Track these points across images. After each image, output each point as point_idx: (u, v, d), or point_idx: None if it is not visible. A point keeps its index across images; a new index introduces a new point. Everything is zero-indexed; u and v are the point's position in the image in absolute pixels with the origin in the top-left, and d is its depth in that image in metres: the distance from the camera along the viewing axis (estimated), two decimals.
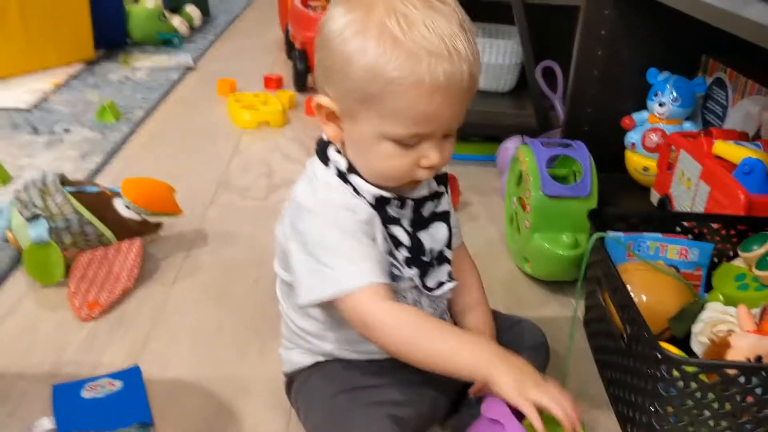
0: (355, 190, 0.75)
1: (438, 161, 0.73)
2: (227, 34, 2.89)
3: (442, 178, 0.83)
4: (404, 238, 0.77)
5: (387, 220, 0.76)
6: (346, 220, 0.74)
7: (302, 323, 0.84)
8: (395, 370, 0.82)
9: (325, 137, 0.79)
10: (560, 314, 1.14)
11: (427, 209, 0.80)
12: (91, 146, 1.67)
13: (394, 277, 0.78)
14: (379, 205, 0.76)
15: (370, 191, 0.75)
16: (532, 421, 0.67)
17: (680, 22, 0.99)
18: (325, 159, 0.78)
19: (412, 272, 0.78)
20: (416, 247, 0.78)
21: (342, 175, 0.76)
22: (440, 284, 0.82)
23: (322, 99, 0.73)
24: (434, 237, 0.81)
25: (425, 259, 0.79)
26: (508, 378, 0.68)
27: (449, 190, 0.86)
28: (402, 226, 0.78)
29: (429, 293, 0.81)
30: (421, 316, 0.75)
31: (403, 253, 0.77)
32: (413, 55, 0.66)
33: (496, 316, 0.93)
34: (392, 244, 0.77)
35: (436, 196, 0.81)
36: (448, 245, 0.83)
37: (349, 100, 0.71)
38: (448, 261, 0.83)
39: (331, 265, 0.73)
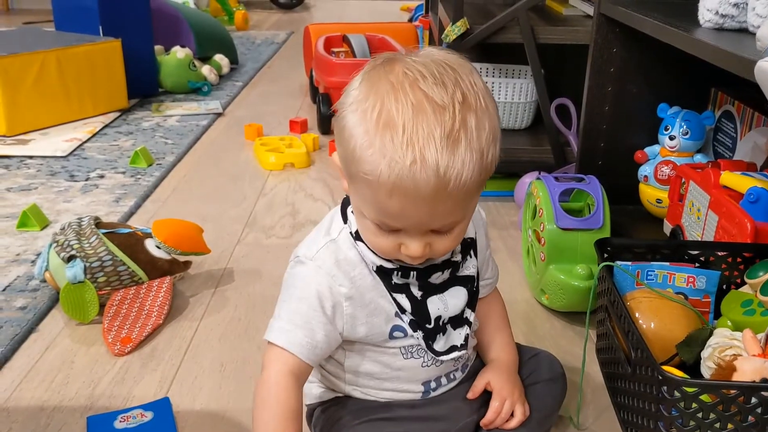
0: (361, 255, 0.77)
1: (418, 254, 0.72)
2: (255, 81, 2.99)
3: (468, 245, 0.83)
4: (407, 305, 0.79)
5: (392, 288, 0.78)
6: (323, 285, 0.76)
7: (323, 361, 0.86)
8: (410, 407, 0.85)
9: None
10: (577, 344, 1.17)
11: (437, 278, 0.80)
12: (124, 190, 1.75)
13: (396, 338, 0.80)
14: (382, 273, 0.77)
15: (373, 260, 0.77)
16: None
17: (688, 58, 1.03)
18: (345, 216, 0.80)
19: (416, 335, 0.80)
20: (419, 315, 0.79)
21: (354, 236, 0.78)
22: (451, 349, 0.82)
23: (335, 156, 0.74)
24: (447, 303, 0.81)
25: (429, 326, 0.80)
26: None
27: (477, 255, 0.85)
28: (409, 291, 0.79)
29: (437, 357, 0.82)
30: (272, 407, 0.75)
31: (407, 317, 0.79)
32: (379, 153, 0.66)
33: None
34: (397, 308, 0.79)
35: (448, 266, 0.80)
36: (470, 306, 0.84)
37: (344, 167, 0.72)
38: (468, 323, 0.84)
39: (282, 316, 0.78)
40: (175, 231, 1.29)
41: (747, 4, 1.01)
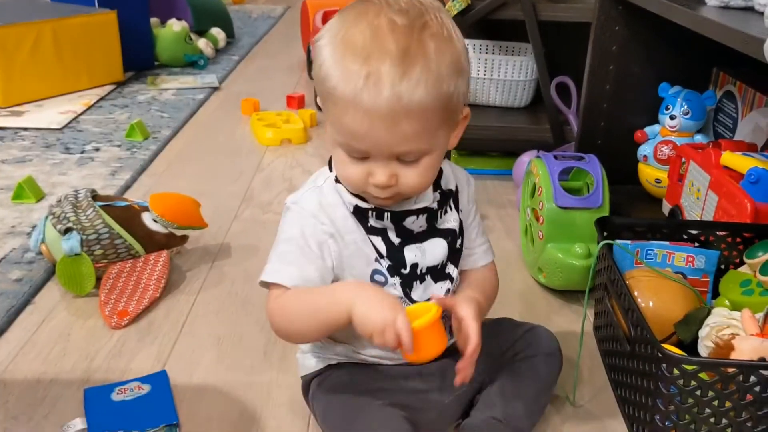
0: (341, 197, 0.82)
1: (382, 182, 0.75)
2: (251, 55, 2.97)
3: (447, 195, 0.85)
4: (382, 249, 0.81)
5: (369, 230, 0.81)
6: (307, 225, 0.80)
7: None
8: (402, 378, 0.86)
9: None
10: (574, 322, 1.17)
11: (414, 224, 0.82)
12: (120, 164, 1.74)
13: (380, 283, 0.82)
14: (359, 214, 0.81)
15: (350, 200, 0.81)
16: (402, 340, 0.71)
17: (690, 37, 1.02)
18: (330, 165, 0.84)
19: (394, 280, 0.82)
20: (394, 258, 0.82)
21: (337, 181, 0.82)
22: (429, 300, 0.82)
23: (319, 99, 0.79)
24: (425, 253, 0.83)
25: (404, 271, 0.82)
26: (362, 321, 0.73)
27: (459, 210, 0.87)
28: (386, 237, 0.82)
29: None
30: (292, 298, 0.79)
31: (386, 262, 0.82)
32: (344, 74, 0.71)
33: (511, 323, 0.96)
34: (376, 253, 0.82)
35: (423, 211, 0.82)
36: (453, 261, 0.85)
37: (322, 102, 0.77)
38: (451, 278, 0.85)
39: (272, 257, 0.82)
40: (172, 205, 1.28)
41: None
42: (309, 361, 0.91)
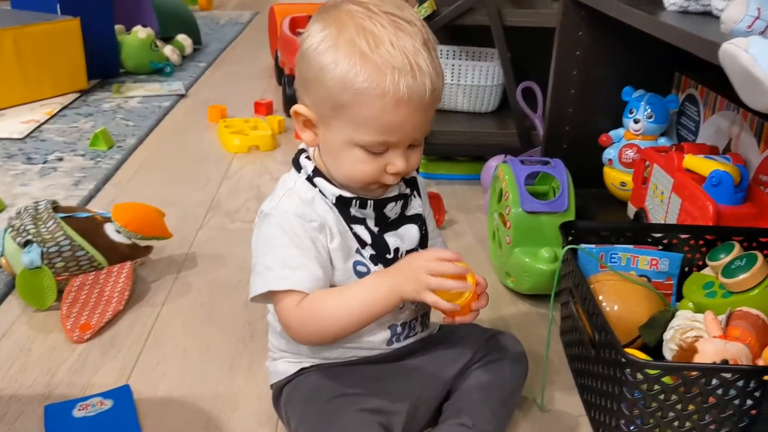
0: (321, 191, 0.82)
1: (403, 168, 0.79)
2: (219, 62, 2.94)
3: (411, 182, 0.89)
4: (366, 237, 0.84)
5: (350, 220, 0.83)
6: (296, 227, 0.80)
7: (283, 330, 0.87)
8: (375, 379, 0.86)
9: (301, 146, 0.86)
10: (541, 326, 1.17)
11: (392, 210, 0.85)
12: (83, 173, 1.71)
13: (362, 274, 0.84)
14: (342, 204, 0.82)
15: (333, 192, 0.82)
16: (437, 306, 0.77)
17: (653, 42, 1.03)
18: (298, 166, 0.85)
19: (377, 268, 0.84)
20: (378, 246, 0.84)
21: (309, 179, 0.83)
22: None
23: (299, 107, 0.80)
24: (403, 238, 0.87)
25: (389, 257, 0.85)
26: (408, 286, 0.77)
27: (421, 196, 0.91)
28: (366, 226, 0.84)
29: None
30: (317, 299, 0.80)
31: (368, 251, 0.84)
32: (379, 69, 0.73)
33: (476, 329, 0.96)
34: (358, 243, 0.83)
35: (400, 197, 0.86)
36: (423, 245, 0.88)
37: (324, 108, 0.77)
38: None
39: (270, 266, 0.81)
40: (135, 215, 1.27)
41: None
42: (280, 367, 0.90)
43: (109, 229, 1.24)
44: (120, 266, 1.22)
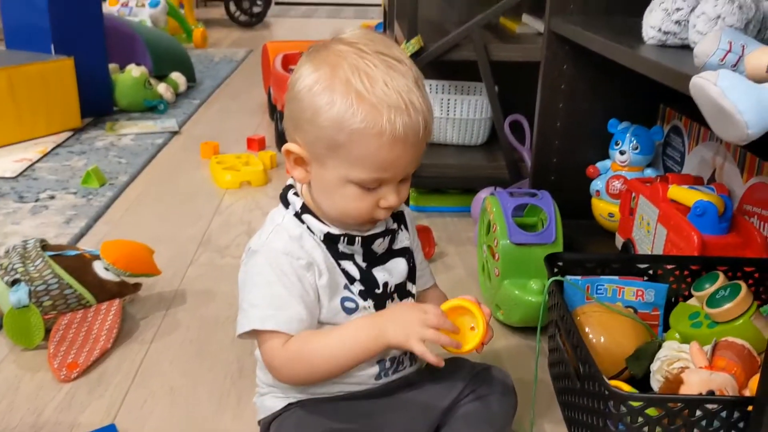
0: (308, 228, 0.83)
1: (395, 202, 0.80)
2: (213, 99, 2.97)
3: (398, 216, 0.90)
4: (355, 273, 0.84)
5: (338, 256, 0.83)
6: (283, 264, 0.80)
7: None
8: (364, 415, 0.85)
9: (289, 182, 0.86)
10: (532, 359, 1.17)
11: (379, 246, 0.86)
12: (75, 211, 1.71)
13: (350, 310, 0.84)
14: (329, 241, 0.82)
15: (321, 228, 0.82)
16: (423, 357, 0.77)
17: (637, 74, 1.05)
18: (286, 202, 0.85)
19: (366, 303, 0.84)
20: (367, 281, 0.84)
21: (297, 215, 0.83)
22: None
23: (291, 146, 0.81)
24: (392, 272, 0.87)
25: (378, 291, 0.85)
26: (395, 333, 0.78)
27: (408, 229, 0.91)
28: (355, 261, 0.84)
29: None
30: (303, 342, 0.80)
31: (357, 287, 0.84)
32: (375, 109, 0.74)
33: (464, 363, 0.96)
34: (346, 278, 0.83)
35: (388, 233, 0.86)
36: (411, 279, 0.89)
37: (318, 147, 0.78)
38: (412, 295, 0.89)
39: (255, 303, 0.81)
40: (124, 252, 1.27)
41: (688, 21, 1.03)
42: (268, 403, 0.90)
43: (98, 267, 1.24)
44: (108, 304, 1.22)
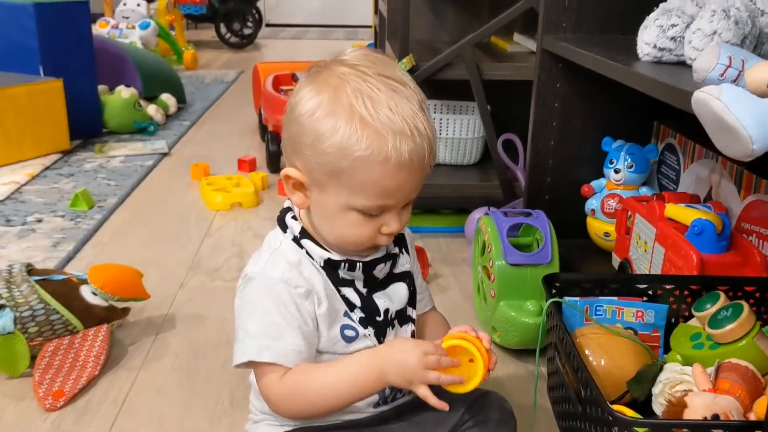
0: (308, 253, 0.80)
1: (397, 228, 0.78)
2: (203, 120, 2.95)
3: (399, 239, 0.87)
4: (355, 300, 0.81)
5: (338, 282, 0.80)
6: (281, 292, 0.77)
7: None
8: None
9: (287, 205, 0.83)
10: (530, 382, 1.15)
11: (381, 271, 0.83)
12: (63, 234, 1.68)
13: (350, 339, 0.81)
14: (330, 267, 0.80)
15: (321, 255, 0.79)
16: (427, 401, 0.75)
17: (631, 92, 1.04)
18: (284, 225, 0.82)
19: (367, 331, 0.81)
20: (368, 308, 0.82)
21: (296, 240, 0.80)
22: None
23: (290, 171, 0.78)
24: (392, 297, 0.84)
25: (379, 319, 0.82)
26: (396, 377, 0.75)
27: (408, 252, 0.89)
28: (355, 287, 0.81)
29: None
30: (301, 377, 0.77)
31: (357, 314, 0.81)
32: (380, 135, 0.71)
33: None
34: (346, 305, 0.80)
35: (389, 257, 0.84)
36: (411, 304, 0.86)
37: (319, 173, 0.75)
38: (412, 320, 0.86)
39: (252, 333, 0.78)
40: (112, 276, 1.24)
41: (684, 38, 1.02)
42: (262, 430, 0.87)
43: (85, 292, 1.21)
44: (96, 330, 1.19)
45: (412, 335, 0.86)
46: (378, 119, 0.71)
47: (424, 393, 0.74)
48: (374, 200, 0.74)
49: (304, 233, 0.80)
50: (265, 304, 0.78)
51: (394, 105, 0.72)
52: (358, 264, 0.80)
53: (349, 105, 0.71)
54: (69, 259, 1.58)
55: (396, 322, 0.84)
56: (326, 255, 0.79)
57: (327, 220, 0.78)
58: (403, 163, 0.72)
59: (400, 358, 0.75)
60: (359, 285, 0.82)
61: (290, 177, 0.78)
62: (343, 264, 0.80)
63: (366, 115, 0.71)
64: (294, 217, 0.82)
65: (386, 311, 0.83)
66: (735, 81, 0.74)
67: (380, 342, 0.82)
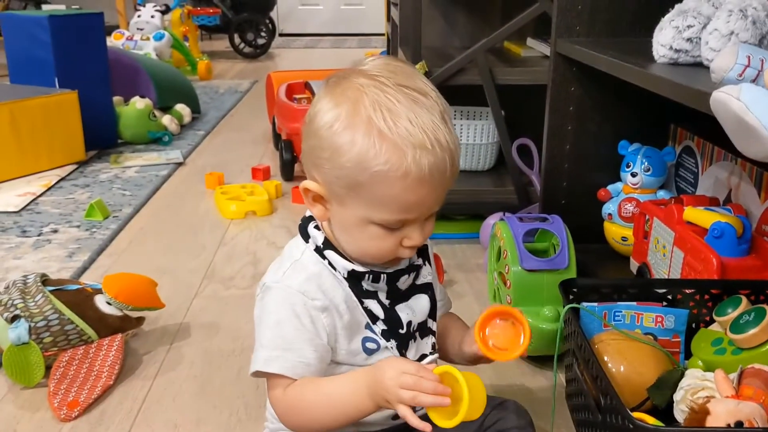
0: (331, 264, 0.78)
1: (420, 241, 0.76)
2: (217, 130, 2.96)
3: (422, 251, 0.85)
4: (379, 312, 0.79)
5: (362, 294, 0.78)
6: (297, 304, 0.76)
7: None
8: None
9: (309, 213, 0.82)
10: (547, 389, 1.13)
11: (404, 282, 0.81)
12: (78, 245, 1.69)
13: (371, 351, 0.79)
14: (354, 279, 0.78)
15: (345, 266, 0.78)
16: (405, 419, 0.70)
17: (646, 94, 1.02)
18: (305, 235, 0.81)
19: (389, 344, 0.80)
20: (391, 321, 0.80)
21: (319, 251, 0.79)
22: (422, 357, 0.82)
23: (309, 184, 0.76)
24: (414, 309, 0.82)
25: (402, 332, 0.80)
26: (374, 395, 0.72)
27: (431, 263, 0.87)
28: (378, 299, 0.80)
29: None
30: (301, 389, 0.75)
31: (380, 326, 0.79)
32: (399, 149, 0.69)
33: None
34: (368, 318, 0.79)
35: (413, 269, 0.82)
36: (432, 316, 0.85)
37: (338, 187, 0.73)
38: (432, 333, 0.85)
39: (264, 343, 0.77)
40: (126, 286, 1.24)
41: (700, 39, 1.01)
42: None
43: (100, 301, 1.21)
44: (110, 339, 1.19)
45: (433, 347, 0.84)
46: (397, 132, 0.69)
47: (404, 412, 0.70)
48: (395, 215, 0.73)
49: (328, 244, 0.79)
50: (279, 315, 0.76)
51: (414, 117, 0.69)
52: (382, 275, 0.79)
53: (368, 118, 0.69)
54: (84, 269, 1.58)
55: (417, 334, 0.83)
56: (350, 266, 0.78)
57: (347, 233, 0.77)
58: (424, 177, 0.69)
59: (378, 376, 0.72)
60: (382, 297, 0.80)
61: (309, 190, 0.76)
62: (367, 275, 0.78)
63: (384, 128, 0.69)
64: (317, 227, 0.80)
65: (408, 323, 0.81)
66: (754, 81, 0.72)
67: (402, 355, 0.81)
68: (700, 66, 1.02)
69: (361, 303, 0.79)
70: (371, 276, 0.78)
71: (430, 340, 0.84)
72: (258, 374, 0.78)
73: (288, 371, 0.75)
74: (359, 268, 0.78)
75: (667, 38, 1.05)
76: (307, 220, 0.82)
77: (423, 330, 0.84)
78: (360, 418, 0.75)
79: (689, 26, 1.02)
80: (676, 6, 1.11)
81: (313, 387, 0.76)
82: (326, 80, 0.76)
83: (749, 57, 0.72)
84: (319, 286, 0.77)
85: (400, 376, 0.70)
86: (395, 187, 0.70)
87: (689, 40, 1.03)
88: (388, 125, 0.69)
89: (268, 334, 0.77)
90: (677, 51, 1.04)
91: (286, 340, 0.76)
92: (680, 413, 0.89)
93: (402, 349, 0.81)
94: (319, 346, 0.76)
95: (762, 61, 0.72)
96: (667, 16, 1.08)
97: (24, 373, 1.12)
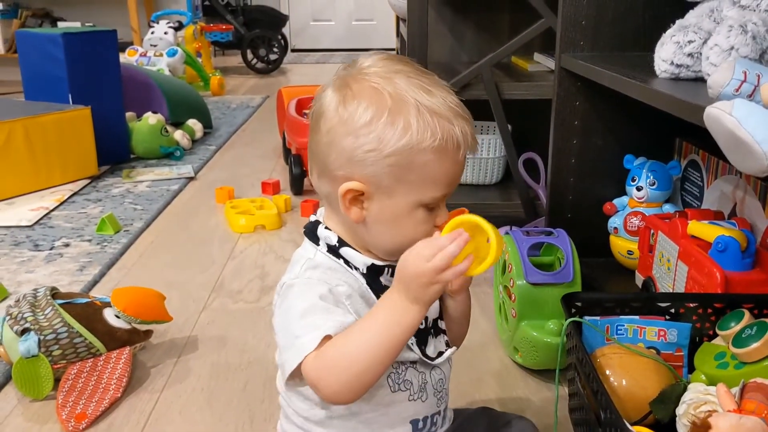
0: (346, 262, 0.77)
1: (446, 218, 0.78)
2: (229, 145, 2.98)
3: None
4: None
5: (380, 290, 0.77)
6: (323, 291, 0.74)
7: (307, 412, 0.81)
8: None
9: (313, 218, 0.81)
10: (551, 402, 1.13)
11: None
12: (89, 258, 1.71)
13: None
14: (373, 273, 0.78)
15: (363, 261, 0.77)
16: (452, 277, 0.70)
17: (650, 108, 1.02)
18: (314, 239, 0.80)
19: (410, 341, 0.78)
20: None
21: (332, 250, 0.78)
22: (440, 354, 0.82)
23: (353, 184, 0.74)
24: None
25: (421, 327, 0.80)
26: (423, 293, 0.71)
27: None
28: None
29: (431, 362, 0.81)
30: (331, 344, 0.72)
31: None
32: (449, 121, 0.72)
33: (489, 415, 0.93)
34: None
35: None
36: (441, 317, 0.85)
37: (387, 177, 0.73)
38: (443, 332, 0.85)
39: (299, 333, 0.73)
40: (135, 299, 1.25)
41: (701, 54, 1.01)
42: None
43: (108, 314, 1.23)
44: (119, 352, 1.20)
45: (447, 345, 0.84)
46: (442, 107, 0.72)
47: (447, 276, 0.70)
48: (441, 190, 0.75)
49: (342, 242, 0.78)
50: (306, 304, 0.74)
51: (442, 92, 0.74)
52: None
53: (414, 100, 0.72)
54: (95, 282, 1.60)
55: (432, 331, 0.82)
56: (369, 261, 0.77)
57: (392, 226, 0.76)
58: (468, 145, 0.74)
59: (402, 274, 0.71)
60: None
61: (351, 190, 0.74)
62: (386, 269, 0.78)
63: (433, 105, 0.72)
64: (326, 228, 0.79)
65: (425, 318, 0.80)
66: (750, 96, 0.73)
67: (422, 350, 0.80)
68: (701, 81, 1.02)
69: (378, 298, 0.77)
70: (391, 270, 0.77)
71: (443, 338, 0.84)
72: (296, 375, 0.74)
73: (332, 330, 0.72)
74: (378, 262, 0.78)
75: (668, 53, 1.05)
76: (314, 224, 0.81)
77: (436, 329, 0.83)
78: (406, 335, 0.72)
79: (690, 41, 1.03)
80: (678, 21, 1.12)
81: (344, 333, 0.72)
82: (337, 87, 0.76)
83: (745, 72, 0.73)
84: (339, 278, 0.76)
85: (418, 254, 0.70)
86: (447, 160, 0.73)
87: (690, 55, 1.03)
88: (433, 102, 0.72)
89: (300, 324, 0.73)
90: (678, 66, 1.05)
91: (320, 319, 0.73)
92: (683, 427, 0.89)
93: (421, 345, 0.80)
94: (351, 322, 0.74)
95: (758, 76, 0.73)
96: (669, 32, 1.09)
97: (33, 385, 1.13)
